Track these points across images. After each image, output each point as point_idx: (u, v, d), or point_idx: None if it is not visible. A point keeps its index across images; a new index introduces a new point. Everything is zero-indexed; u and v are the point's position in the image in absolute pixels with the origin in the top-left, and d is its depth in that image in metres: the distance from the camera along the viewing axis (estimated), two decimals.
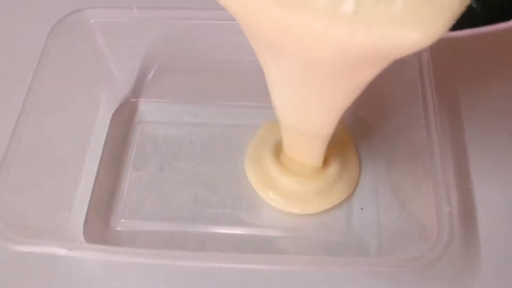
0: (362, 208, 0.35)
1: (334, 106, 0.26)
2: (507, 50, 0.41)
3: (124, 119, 0.40)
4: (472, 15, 0.18)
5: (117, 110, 0.40)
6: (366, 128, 0.38)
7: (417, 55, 0.32)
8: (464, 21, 0.17)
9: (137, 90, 0.40)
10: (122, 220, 0.35)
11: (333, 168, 0.35)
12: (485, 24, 0.22)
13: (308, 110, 0.27)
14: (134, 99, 0.41)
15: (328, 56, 0.20)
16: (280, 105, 0.29)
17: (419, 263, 0.25)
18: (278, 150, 0.36)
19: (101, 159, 0.37)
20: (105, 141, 0.38)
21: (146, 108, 0.41)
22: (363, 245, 0.33)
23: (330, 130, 0.29)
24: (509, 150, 0.36)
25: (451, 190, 0.28)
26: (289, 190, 0.35)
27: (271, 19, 0.19)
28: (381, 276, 0.32)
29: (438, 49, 0.32)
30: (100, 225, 0.35)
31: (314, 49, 0.20)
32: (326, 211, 0.35)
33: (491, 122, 0.37)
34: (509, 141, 0.36)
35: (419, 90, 0.30)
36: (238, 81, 0.39)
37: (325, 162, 0.34)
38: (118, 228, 0.35)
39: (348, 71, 0.22)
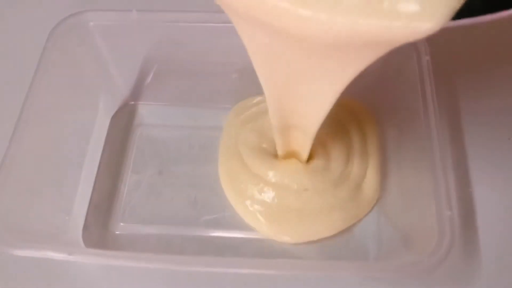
0: None
1: (327, 96, 0.26)
2: (507, 51, 0.41)
3: (123, 122, 0.40)
4: (471, 5, 0.18)
5: (116, 113, 0.40)
6: None
7: (417, 59, 0.32)
8: (463, 10, 0.17)
9: (136, 93, 0.40)
10: (121, 224, 0.35)
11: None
12: (483, 13, 0.22)
13: (301, 102, 0.28)
14: (133, 102, 0.41)
15: (341, 43, 0.20)
16: (274, 103, 0.29)
17: (420, 268, 0.25)
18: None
19: (100, 162, 0.37)
20: (104, 144, 0.38)
21: (145, 111, 0.41)
22: (363, 250, 0.33)
23: (318, 124, 0.29)
24: (509, 153, 0.36)
25: (452, 194, 0.28)
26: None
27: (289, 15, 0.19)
28: (381, 281, 0.32)
29: (438, 51, 0.32)
30: (99, 229, 0.34)
31: (329, 38, 0.20)
32: None
33: (491, 126, 0.37)
34: (508, 144, 0.36)
35: (419, 95, 0.30)
36: (237, 84, 0.39)
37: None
38: (117, 232, 0.35)
39: (351, 55, 0.22)
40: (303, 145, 0.32)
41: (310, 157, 0.35)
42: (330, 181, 0.34)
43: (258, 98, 0.40)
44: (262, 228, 0.34)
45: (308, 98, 0.27)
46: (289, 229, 0.33)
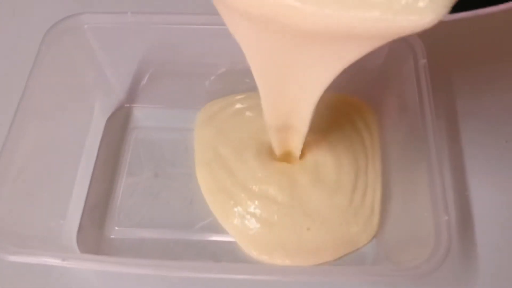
0: None
1: (316, 90, 0.26)
2: (505, 51, 0.41)
3: (119, 124, 0.40)
4: None
5: (111, 116, 0.40)
6: None
7: (414, 63, 0.31)
8: (461, 3, 0.18)
9: (132, 95, 0.40)
10: (116, 228, 0.35)
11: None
12: (482, 6, 0.22)
13: (294, 99, 0.28)
14: (128, 105, 0.41)
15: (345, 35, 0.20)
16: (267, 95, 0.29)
17: (417, 272, 0.25)
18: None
19: (95, 165, 0.37)
20: (99, 147, 0.38)
21: (141, 114, 0.40)
22: (360, 254, 0.33)
23: (308, 118, 0.29)
24: (506, 156, 0.36)
25: (449, 198, 0.28)
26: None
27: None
28: (378, 285, 0.32)
29: (435, 52, 0.32)
30: (94, 233, 0.34)
31: (334, 31, 0.20)
32: None
33: (488, 129, 0.37)
34: (506, 147, 0.36)
35: (416, 98, 0.30)
36: (233, 86, 0.39)
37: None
38: (112, 236, 0.34)
39: (349, 46, 0.22)
40: (296, 144, 0.32)
41: (310, 169, 0.34)
42: (342, 215, 0.33)
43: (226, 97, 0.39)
44: (252, 253, 0.33)
45: (299, 93, 0.27)
46: (283, 257, 0.32)
